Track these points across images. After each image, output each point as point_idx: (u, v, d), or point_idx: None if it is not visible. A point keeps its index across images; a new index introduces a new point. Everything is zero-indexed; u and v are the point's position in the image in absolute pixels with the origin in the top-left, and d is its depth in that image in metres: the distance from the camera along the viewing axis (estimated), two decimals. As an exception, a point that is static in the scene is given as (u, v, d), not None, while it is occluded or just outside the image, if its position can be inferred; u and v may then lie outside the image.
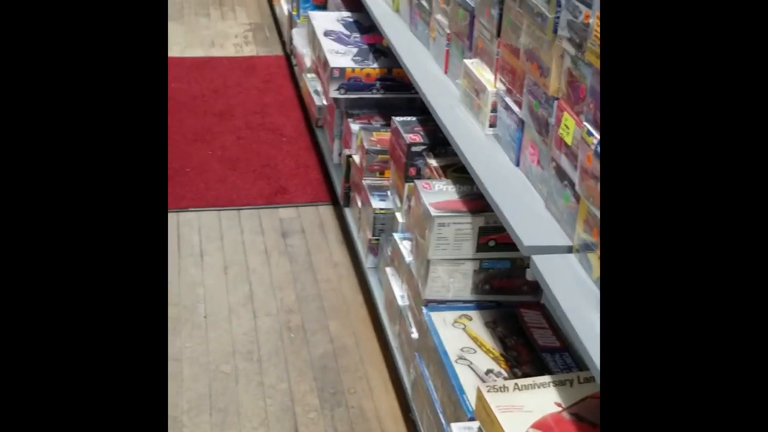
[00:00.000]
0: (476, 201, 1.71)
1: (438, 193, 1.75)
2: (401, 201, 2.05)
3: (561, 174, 1.32)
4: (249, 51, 3.69)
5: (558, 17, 1.32)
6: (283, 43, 3.72)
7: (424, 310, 1.72)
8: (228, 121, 3.15)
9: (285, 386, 2.00)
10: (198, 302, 2.26)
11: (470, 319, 1.69)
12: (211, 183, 2.79)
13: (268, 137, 3.08)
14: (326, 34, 2.64)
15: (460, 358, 1.57)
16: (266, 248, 2.50)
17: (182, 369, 2.03)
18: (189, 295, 2.28)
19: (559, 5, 1.32)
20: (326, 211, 2.69)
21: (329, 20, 2.73)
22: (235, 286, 2.34)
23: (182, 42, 3.72)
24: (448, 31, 1.86)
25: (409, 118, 2.09)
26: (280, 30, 3.79)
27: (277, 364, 2.07)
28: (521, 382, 1.37)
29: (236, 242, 2.52)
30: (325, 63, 2.52)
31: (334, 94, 2.48)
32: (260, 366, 2.06)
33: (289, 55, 3.53)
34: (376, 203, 2.19)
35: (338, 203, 2.67)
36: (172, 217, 2.60)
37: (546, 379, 1.40)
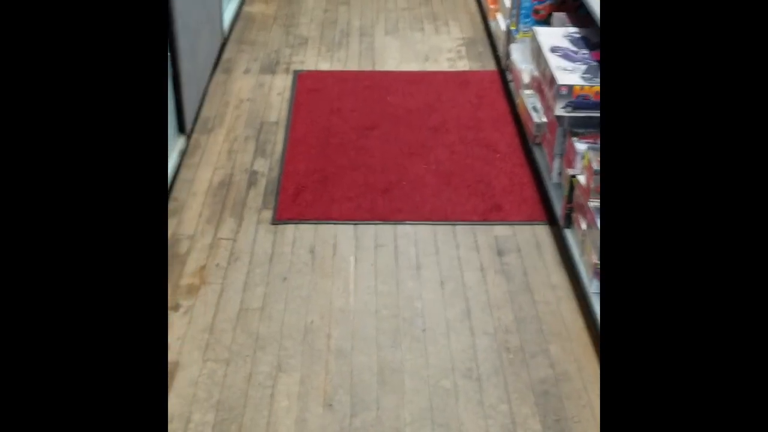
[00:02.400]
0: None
1: (685, 220, 1.65)
2: (635, 226, 1.96)
3: None
4: (462, 66, 3.71)
5: None
6: (496, 58, 3.71)
7: (665, 344, 1.63)
8: (442, 136, 3.18)
9: (506, 408, 1.97)
10: (416, 315, 2.28)
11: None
12: (427, 197, 2.82)
13: (482, 153, 3.07)
14: (553, 50, 2.59)
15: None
16: (482, 265, 2.49)
17: (404, 381, 2.05)
18: (408, 308, 2.31)
19: None
20: (542, 231, 2.64)
21: (555, 36, 2.68)
22: (452, 301, 2.34)
23: (398, 56, 3.80)
24: (699, 50, 1.77)
25: (646, 140, 2.00)
26: (494, 45, 3.78)
27: (496, 384, 2.04)
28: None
29: (452, 257, 2.52)
30: (552, 80, 2.47)
31: (560, 111, 2.43)
32: (480, 385, 2.04)
33: (503, 71, 3.51)
34: (604, 226, 2.11)
35: (555, 223, 2.61)
36: (390, 229, 2.65)
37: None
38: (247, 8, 4.27)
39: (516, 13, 3.24)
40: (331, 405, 1.99)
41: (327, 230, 2.65)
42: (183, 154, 2.94)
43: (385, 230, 2.65)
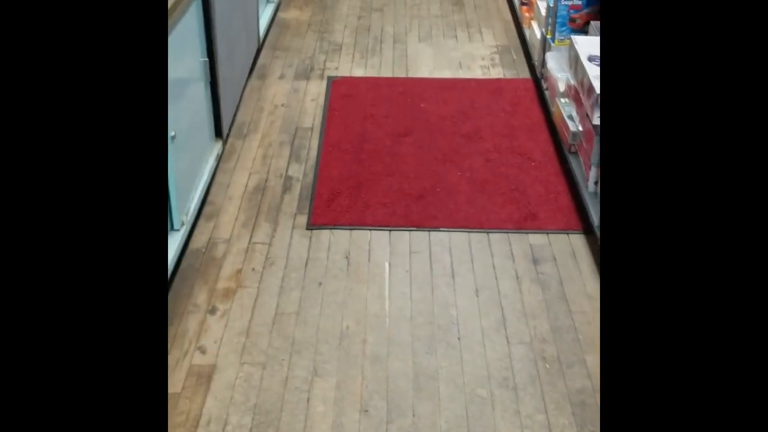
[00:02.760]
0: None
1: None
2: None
3: None
4: (496, 73, 3.71)
5: None
6: (530, 66, 3.70)
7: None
8: (476, 143, 3.17)
9: (542, 418, 1.97)
10: (451, 323, 2.28)
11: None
12: (461, 204, 2.82)
13: (517, 161, 3.06)
14: (590, 59, 2.59)
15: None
16: (517, 274, 2.48)
17: (439, 388, 2.05)
18: (443, 315, 2.31)
19: None
20: (578, 240, 2.63)
21: (593, 45, 2.68)
22: (487, 310, 2.33)
23: (431, 63, 3.80)
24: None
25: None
26: (529, 53, 3.77)
27: (533, 394, 2.03)
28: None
29: (487, 265, 2.52)
30: (590, 89, 2.46)
31: (598, 120, 2.42)
32: (516, 394, 2.04)
33: (538, 79, 3.50)
34: (643, 237, 2.10)
35: (591, 232, 2.60)
36: (424, 236, 2.65)
37: None
38: (281, 14, 4.30)
39: (552, 22, 3.24)
40: (367, 411, 1.99)
41: (362, 236, 2.66)
42: (219, 159, 2.97)
43: (420, 237, 2.65)
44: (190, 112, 2.60)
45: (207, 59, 2.75)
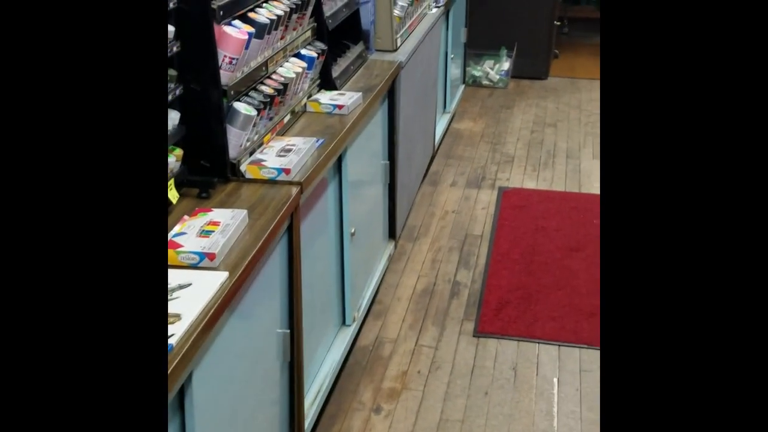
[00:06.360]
0: None
1: None
2: None
3: None
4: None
5: None
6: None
7: None
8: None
9: None
10: None
11: None
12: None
13: (696, 284, 2.92)
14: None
15: None
16: None
17: None
18: None
19: None
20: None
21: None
22: None
23: (605, 179, 3.75)
24: None
25: None
26: None
27: None
28: None
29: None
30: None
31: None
32: None
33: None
34: None
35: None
36: (595, 354, 2.54)
37: None
38: (455, 125, 4.41)
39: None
40: None
41: (529, 348, 2.59)
42: (390, 259, 3.01)
43: (591, 355, 2.55)
44: (369, 211, 2.67)
45: (388, 162, 2.84)
